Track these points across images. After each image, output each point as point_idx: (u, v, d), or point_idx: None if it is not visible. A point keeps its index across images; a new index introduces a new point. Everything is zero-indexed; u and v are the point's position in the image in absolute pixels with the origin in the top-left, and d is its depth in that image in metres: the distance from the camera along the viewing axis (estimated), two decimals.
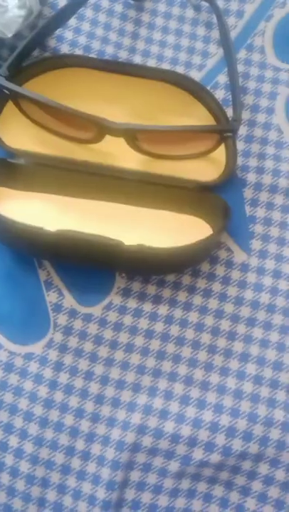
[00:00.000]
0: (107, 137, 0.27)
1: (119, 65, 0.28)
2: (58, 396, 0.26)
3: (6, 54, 0.29)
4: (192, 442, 0.25)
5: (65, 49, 0.30)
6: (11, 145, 0.27)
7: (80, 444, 0.25)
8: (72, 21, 0.30)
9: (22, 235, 0.24)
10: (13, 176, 0.27)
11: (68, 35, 0.30)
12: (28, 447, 0.25)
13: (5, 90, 0.25)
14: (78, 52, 0.30)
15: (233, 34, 0.30)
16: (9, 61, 0.25)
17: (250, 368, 0.26)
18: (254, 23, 0.30)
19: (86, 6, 0.30)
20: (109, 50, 0.30)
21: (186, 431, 0.25)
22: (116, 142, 0.27)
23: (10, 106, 0.27)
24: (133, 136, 0.25)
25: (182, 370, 0.26)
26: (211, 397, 0.26)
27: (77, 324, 0.26)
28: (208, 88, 0.29)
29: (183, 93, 0.28)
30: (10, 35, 0.26)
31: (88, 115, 0.24)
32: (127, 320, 0.27)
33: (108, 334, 0.26)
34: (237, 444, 0.25)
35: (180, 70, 0.30)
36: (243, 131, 0.29)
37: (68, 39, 0.30)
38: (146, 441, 0.25)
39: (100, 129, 0.25)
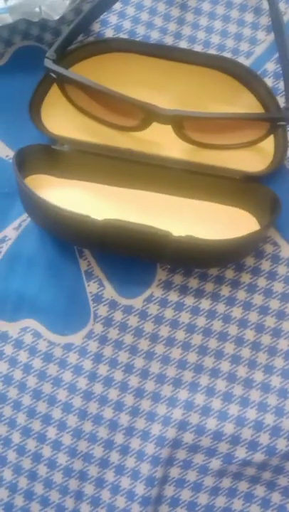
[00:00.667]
0: (152, 125, 0.26)
1: (165, 50, 0.27)
2: (98, 388, 0.25)
3: (49, 37, 0.29)
4: (235, 440, 0.24)
5: (109, 34, 0.29)
6: (53, 131, 0.26)
7: (119, 438, 0.25)
8: (117, 5, 0.29)
9: (68, 222, 0.23)
10: (55, 163, 0.26)
11: (113, 19, 0.29)
12: (67, 439, 0.25)
13: (52, 74, 0.24)
14: (123, 37, 0.29)
15: (285, 19, 0.29)
16: (56, 44, 0.24)
17: None
18: None
19: None
20: (155, 35, 0.29)
21: (229, 428, 0.24)
22: (160, 130, 0.26)
23: (54, 91, 0.27)
24: (180, 123, 0.25)
25: (225, 366, 0.25)
26: (255, 395, 0.25)
27: (118, 316, 0.26)
28: None
29: (231, 80, 0.27)
30: (56, 17, 0.26)
31: (137, 101, 0.24)
32: (168, 313, 0.26)
33: (149, 327, 0.26)
34: (281, 444, 0.24)
35: (227, 56, 0.29)
36: None
37: (113, 23, 0.29)
38: (188, 437, 0.24)
39: (147, 115, 0.24)
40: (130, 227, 0.23)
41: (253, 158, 0.27)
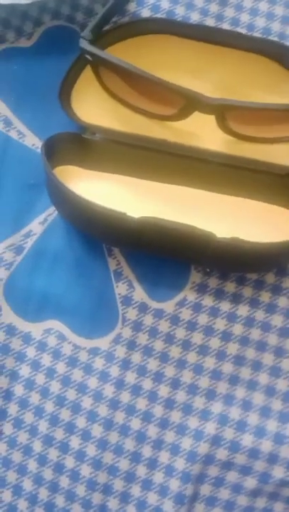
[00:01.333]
0: (192, 114, 0.24)
1: (207, 32, 0.25)
2: (125, 397, 0.24)
3: (80, 17, 0.27)
4: (273, 459, 0.23)
5: (145, 14, 0.27)
6: (84, 119, 0.24)
7: (146, 451, 0.23)
8: None
9: (101, 219, 0.22)
10: (85, 154, 0.24)
11: None
12: (91, 450, 0.23)
13: (87, 56, 0.22)
14: (160, 17, 0.27)
15: None
16: (93, 24, 0.22)
17: None
18: None
19: None
20: (195, 16, 0.27)
21: (266, 446, 0.23)
22: (200, 120, 0.24)
23: (86, 75, 0.25)
24: (224, 113, 0.23)
25: (263, 378, 0.23)
26: None
27: (148, 320, 0.24)
28: None
29: (277, 66, 0.25)
30: None
31: (179, 87, 0.22)
32: (202, 319, 0.24)
33: (181, 333, 0.24)
34: None
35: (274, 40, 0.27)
36: None
37: (149, 3, 0.27)
38: (221, 453, 0.23)
39: (189, 103, 0.22)
40: (170, 226, 0.21)
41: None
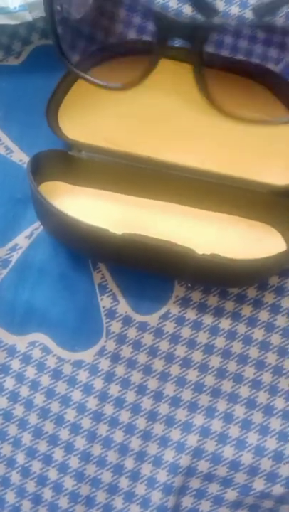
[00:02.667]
0: (176, 130, 0.25)
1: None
2: (108, 409, 0.24)
3: (69, 37, 0.28)
4: (253, 471, 0.23)
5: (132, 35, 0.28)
6: (70, 136, 0.25)
7: (129, 463, 0.23)
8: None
9: (85, 235, 0.22)
10: (71, 170, 0.25)
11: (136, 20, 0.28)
12: (74, 462, 0.24)
13: None
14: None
15: None
16: None
17: None
18: None
19: None
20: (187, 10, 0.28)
21: (247, 458, 0.23)
22: (183, 137, 0.25)
23: (72, 94, 0.25)
24: (201, 60, 0.22)
25: (244, 391, 0.24)
26: (276, 423, 0.23)
27: (132, 333, 0.25)
28: None
29: (260, 88, 0.26)
30: (78, 16, 0.24)
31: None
32: (185, 332, 0.25)
33: (164, 346, 0.25)
34: None
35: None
36: None
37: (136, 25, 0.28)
38: (203, 465, 0.23)
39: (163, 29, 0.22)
40: (150, 242, 0.21)
41: (282, 171, 0.25)
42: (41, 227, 0.26)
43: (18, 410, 0.24)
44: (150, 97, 0.25)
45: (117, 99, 0.25)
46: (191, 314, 0.25)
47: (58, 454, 0.24)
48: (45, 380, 0.24)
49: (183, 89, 0.26)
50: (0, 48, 0.27)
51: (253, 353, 0.24)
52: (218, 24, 0.22)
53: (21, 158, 0.26)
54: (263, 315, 0.25)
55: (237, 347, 0.24)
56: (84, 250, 0.25)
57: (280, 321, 0.24)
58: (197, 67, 0.23)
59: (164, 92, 0.26)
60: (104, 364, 0.24)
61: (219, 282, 0.24)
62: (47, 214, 0.24)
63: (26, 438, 0.24)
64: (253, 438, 0.23)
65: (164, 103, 0.25)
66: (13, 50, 0.27)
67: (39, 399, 0.24)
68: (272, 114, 0.26)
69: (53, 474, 0.23)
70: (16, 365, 0.24)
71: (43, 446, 0.24)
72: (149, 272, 0.24)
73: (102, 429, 0.24)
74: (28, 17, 0.24)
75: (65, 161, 0.25)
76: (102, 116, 0.26)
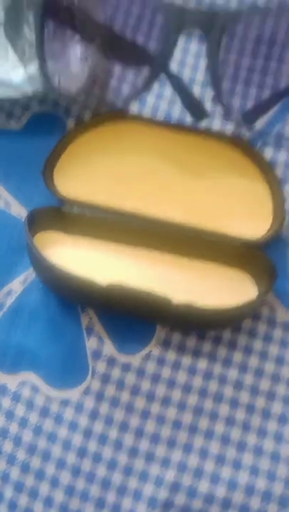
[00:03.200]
0: (159, 191, 0.28)
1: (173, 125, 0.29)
2: (92, 446, 0.25)
3: (63, 105, 0.31)
4: (226, 504, 0.24)
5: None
6: (64, 194, 0.28)
7: (111, 497, 0.25)
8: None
9: (74, 286, 0.25)
10: (65, 223, 0.28)
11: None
12: (59, 496, 0.25)
13: None
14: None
15: None
16: None
17: (288, 431, 0.26)
18: None
19: None
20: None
21: (220, 492, 0.24)
22: (166, 195, 0.28)
23: (67, 156, 0.28)
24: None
25: (219, 428, 0.26)
26: (248, 458, 0.25)
27: (116, 373, 0.27)
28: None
29: (237, 152, 0.29)
30: (74, 91, 0.28)
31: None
32: (165, 372, 0.27)
33: (145, 385, 0.26)
34: (272, 509, 0.24)
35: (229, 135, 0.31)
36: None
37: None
38: (179, 499, 0.24)
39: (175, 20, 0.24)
40: (132, 292, 0.24)
41: (254, 226, 0.28)
42: (34, 273, 0.28)
43: (7, 446, 0.25)
44: (136, 158, 0.28)
45: (106, 161, 0.29)
46: (171, 355, 0.27)
47: (44, 488, 0.25)
48: (33, 418, 0.26)
49: (166, 151, 0.29)
50: (2, 113, 0.31)
51: (228, 392, 0.26)
52: None
53: (19, 211, 0.29)
54: (237, 356, 0.27)
55: (213, 386, 0.26)
56: (72, 298, 0.27)
57: (253, 361, 0.27)
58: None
59: (148, 153, 0.29)
60: (89, 403, 0.26)
61: (195, 327, 0.27)
62: (39, 264, 0.26)
63: (14, 473, 0.25)
64: (226, 472, 0.25)
65: (148, 163, 0.28)
66: (14, 115, 0.31)
67: (27, 435, 0.25)
68: (245, 174, 0.29)
69: (38, 508, 0.25)
70: (6, 403, 0.26)
71: (30, 481, 0.25)
72: (133, 316, 0.27)
73: (86, 465, 0.25)
74: (29, 91, 0.28)
75: (58, 214, 0.28)
76: (93, 175, 0.29)
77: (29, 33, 0.30)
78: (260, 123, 0.31)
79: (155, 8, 0.26)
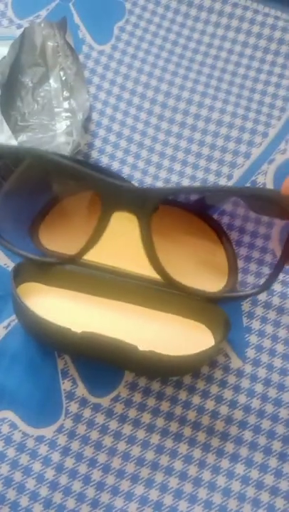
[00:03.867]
0: (128, 243, 0.31)
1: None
2: (63, 479, 0.28)
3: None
4: None
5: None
6: (47, 246, 0.31)
7: None
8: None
9: (51, 333, 0.28)
10: (46, 274, 0.31)
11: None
12: None
13: None
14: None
15: (240, 172, 0.36)
16: None
17: (239, 469, 0.28)
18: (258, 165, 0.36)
19: None
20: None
21: None
22: (137, 252, 0.31)
23: (52, 215, 0.32)
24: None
25: (178, 465, 0.28)
26: (202, 493, 0.28)
27: (87, 413, 0.29)
28: None
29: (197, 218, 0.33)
30: None
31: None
32: (132, 413, 0.29)
33: (113, 425, 0.29)
34: None
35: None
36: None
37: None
38: None
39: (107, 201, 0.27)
40: (103, 340, 0.27)
41: (213, 281, 0.32)
42: (16, 319, 0.31)
43: None
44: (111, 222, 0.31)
45: (84, 221, 0.32)
46: (137, 397, 0.30)
47: None
48: (10, 453, 0.28)
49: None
50: None
51: (187, 431, 0.29)
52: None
53: (6, 262, 0.32)
54: (196, 399, 0.30)
55: (174, 426, 0.29)
56: (49, 344, 0.30)
57: (209, 404, 0.30)
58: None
59: (119, 218, 0.32)
60: (62, 439, 0.29)
61: (159, 372, 0.30)
62: (21, 312, 0.29)
63: None
64: (183, 506, 0.28)
65: (120, 227, 0.31)
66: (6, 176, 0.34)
67: (4, 469, 0.28)
68: (204, 237, 0.33)
69: None
70: None
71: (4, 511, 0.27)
72: (104, 362, 0.30)
73: (57, 497, 0.28)
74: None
75: (41, 268, 0.31)
76: (74, 233, 0.32)
77: (21, 105, 0.34)
78: None
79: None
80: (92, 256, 0.32)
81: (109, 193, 0.27)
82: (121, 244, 0.32)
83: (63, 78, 0.37)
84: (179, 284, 0.31)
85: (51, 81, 0.37)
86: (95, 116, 0.37)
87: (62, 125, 0.36)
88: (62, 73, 0.37)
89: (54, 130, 0.35)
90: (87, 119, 0.37)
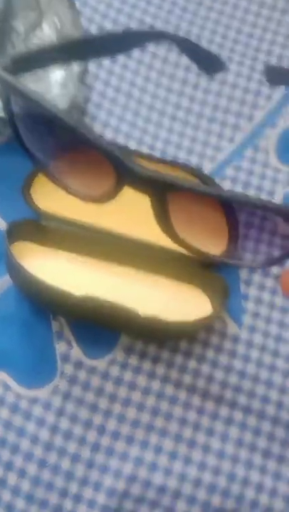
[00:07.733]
0: (132, 205, 0.30)
1: None
2: (58, 440, 0.28)
3: None
4: (176, 495, 0.27)
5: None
6: (42, 207, 0.30)
7: (73, 487, 0.27)
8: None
9: (47, 294, 0.27)
10: (41, 234, 0.30)
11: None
12: (25, 486, 0.27)
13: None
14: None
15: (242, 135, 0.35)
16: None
17: (233, 432, 0.29)
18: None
19: None
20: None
21: (172, 483, 0.28)
22: (140, 214, 0.30)
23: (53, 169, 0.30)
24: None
25: (173, 427, 0.29)
26: (197, 455, 0.28)
27: (82, 375, 0.29)
28: None
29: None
30: None
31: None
32: (127, 376, 0.29)
33: (109, 387, 0.29)
34: (216, 500, 0.27)
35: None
36: None
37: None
38: (135, 489, 0.27)
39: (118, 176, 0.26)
40: (103, 304, 0.27)
41: (214, 244, 0.31)
42: (10, 279, 0.30)
43: None
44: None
45: (86, 184, 0.31)
46: (133, 361, 0.30)
47: (12, 479, 0.27)
48: (4, 413, 0.28)
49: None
50: None
51: (182, 395, 0.29)
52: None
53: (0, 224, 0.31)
54: (192, 364, 0.30)
55: (169, 389, 0.29)
56: (45, 306, 0.29)
57: (205, 368, 0.30)
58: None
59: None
60: (57, 401, 0.28)
61: (157, 337, 0.30)
62: (16, 272, 0.28)
63: None
64: (177, 467, 0.28)
65: (130, 192, 0.30)
66: None
67: None
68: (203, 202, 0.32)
69: (6, 496, 0.27)
70: None
71: None
72: (102, 326, 0.29)
73: (52, 458, 0.28)
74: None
75: (36, 227, 0.30)
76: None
77: (12, 52, 0.32)
78: None
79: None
80: (91, 217, 0.31)
81: (124, 173, 0.25)
82: (125, 210, 0.31)
83: (58, 27, 0.35)
84: (186, 244, 0.29)
85: (45, 27, 0.35)
86: (92, 68, 0.36)
87: (56, 75, 0.34)
88: (57, 20, 0.35)
89: (48, 81, 0.33)
90: (84, 71, 0.35)
